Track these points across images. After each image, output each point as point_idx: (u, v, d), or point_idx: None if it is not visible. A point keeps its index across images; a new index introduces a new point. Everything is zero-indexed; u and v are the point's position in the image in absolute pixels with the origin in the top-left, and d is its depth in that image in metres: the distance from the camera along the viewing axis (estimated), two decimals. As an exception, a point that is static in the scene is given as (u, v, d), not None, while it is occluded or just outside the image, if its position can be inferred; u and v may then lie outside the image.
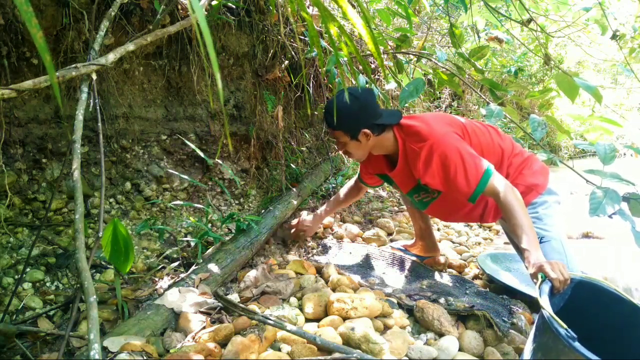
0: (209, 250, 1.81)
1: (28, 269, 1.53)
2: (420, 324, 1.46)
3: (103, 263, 1.68)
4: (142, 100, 2.01)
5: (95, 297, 0.89)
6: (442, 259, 2.10)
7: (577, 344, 0.92)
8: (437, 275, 1.88)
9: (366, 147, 1.62)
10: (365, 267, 1.97)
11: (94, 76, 1.24)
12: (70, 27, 1.63)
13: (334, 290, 1.60)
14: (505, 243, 2.62)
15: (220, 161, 2.27)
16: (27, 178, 1.66)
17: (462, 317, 1.48)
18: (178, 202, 2.04)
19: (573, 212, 2.90)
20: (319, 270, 1.83)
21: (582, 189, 3.67)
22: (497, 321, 1.40)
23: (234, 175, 2.15)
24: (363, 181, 1.97)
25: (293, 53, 2.48)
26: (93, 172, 1.84)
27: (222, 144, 2.31)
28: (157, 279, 1.65)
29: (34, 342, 1.23)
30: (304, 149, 2.85)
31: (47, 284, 1.55)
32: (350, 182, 2.07)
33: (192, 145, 1.86)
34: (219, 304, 1.40)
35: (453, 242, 2.60)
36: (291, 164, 2.60)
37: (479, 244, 2.63)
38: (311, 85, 2.72)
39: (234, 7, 2.14)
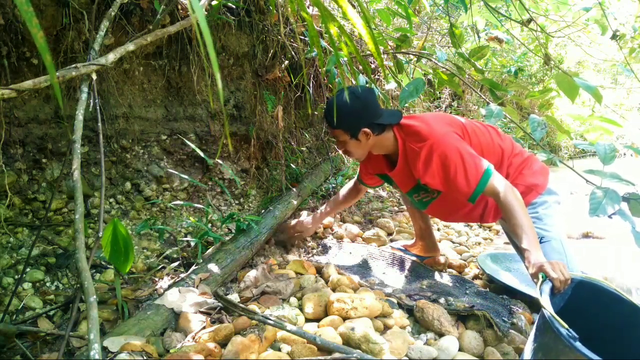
0: (209, 250, 1.81)
1: (28, 269, 1.53)
2: (420, 324, 1.46)
3: (103, 263, 1.68)
4: (142, 100, 2.01)
5: (95, 297, 0.89)
6: (442, 259, 2.10)
7: (578, 344, 0.92)
8: (437, 275, 1.88)
9: (366, 147, 1.62)
10: (365, 267, 1.97)
11: (94, 76, 1.24)
12: (70, 27, 1.63)
13: (334, 290, 1.60)
14: (505, 243, 2.63)
15: (220, 161, 2.28)
16: (27, 178, 1.66)
17: (462, 317, 1.48)
18: (178, 202, 2.04)
19: (573, 212, 2.90)
20: (319, 270, 1.83)
21: (582, 189, 3.67)
22: (497, 321, 1.40)
23: (234, 175, 2.15)
24: (362, 182, 1.97)
25: (293, 53, 2.48)
26: (93, 172, 1.84)
27: (222, 144, 2.31)
28: (157, 279, 1.65)
29: (34, 342, 1.23)
30: (304, 149, 2.85)
31: (47, 284, 1.55)
32: (349, 184, 2.07)
33: (192, 145, 1.86)
34: (219, 304, 1.40)
35: (453, 242, 2.60)
36: (291, 164, 2.60)
37: (479, 244, 2.63)
38: (311, 85, 2.72)
39: (234, 7, 2.14)
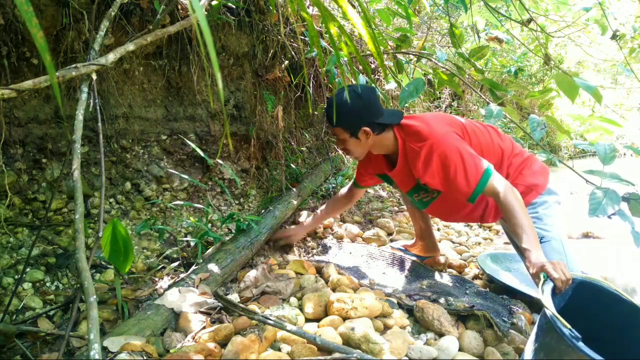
0: (209, 250, 1.81)
1: (28, 269, 1.53)
2: (420, 324, 1.46)
3: (103, 263, 1.68)
4: (142, 100, 2.01)
5: (95, 297, 0.89)
6: (442, 259, 2.10)
7: (581, 344, 0.92)
8: (437, 275, 1.88)
9: (365, 146, 1.61)
10: (365, 267, 1.97)
11: (94, 76, 1.24)
12: (70, 27, 1.63)
13: (334, 290, 1.60)
14: (505, 243, 2.63)
15: (220, 161, 2.27)
16: (27, 178, 1.66)
17: (462, 317, 1.48)
18: (178, 202, 2.04)
19: (573, 212, 2.90)
20: (319, 270, 1.83)
21: (582, 189, 3.67)
22: (497, 321, 1.40)
23: (234, 175, 2.15)
24: (359, 185, 1.96)
25: (293, 53, 2.48)
26: (93, 172, 1.84)
27: (222, 144, 2.31)
28: (157, 279, 1.65)
29: (34, 342, 1.23)
30: (304, 149, 2.85)
31: (47, 284, 1.55)
32: (342, 191, 2.06)
33: (193, 145, 1.86)
34: (219, 304, 1.40)
35: (453, 242, 2.60)
36: (291, 164, 2.60)
37: (479, 244, 2.63)
38: (311, 85, 2.72)
39: (234, 7, 2.14)
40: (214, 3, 1.84)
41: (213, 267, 1.63)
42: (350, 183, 2.02)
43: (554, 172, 2.03)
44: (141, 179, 1.99)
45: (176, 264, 1.75)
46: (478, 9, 2.88)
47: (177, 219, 2.04)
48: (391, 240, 2.41)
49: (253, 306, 1.42)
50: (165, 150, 2.12)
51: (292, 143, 2.73)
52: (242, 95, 2.41)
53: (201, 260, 1.69)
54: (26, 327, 1.25)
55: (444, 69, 2.35)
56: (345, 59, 1.99)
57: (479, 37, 2.95)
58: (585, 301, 1.20)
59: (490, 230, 2.97)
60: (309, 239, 2.26)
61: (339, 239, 2.29)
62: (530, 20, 2.59)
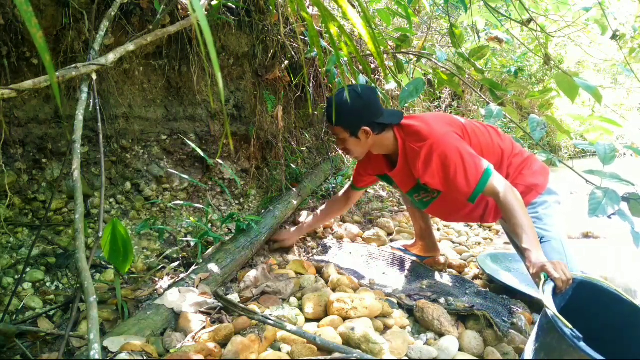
0: (209, 250, 1.81)
1: (28, 269, 1.53)
2: (420, 324, 1.46)
3: (103, 263, 1.68)
4: (142, 100, 2.01)
5: (95, 297, 0.89)
6: (442, 259, 2.11)
7: (582, 344, 0.92)
8: (437, 275, 1.88)
9: (365, 145, 1.61)
10: (365, 267, 1.97)
11: (94, 76, 1.24)
12: (70, 27, 1.63)
13: (334, 290, 1.60)
14: (505, 243, 2.63)
15: (220, 161, 2.27)
16: (27, 178, 1.66)
17: (462, 317, 1.48)
18: (178, 202, 2.04)
19: (573, 212, 2.90)
20: (319, 270, 1.83)
21: (582, 189, 3.67)
22: (497, 321, 1.40)
23: (234, 175, 2.15)
24: (356, 187, 1.95)
25: (293, 53, 2.48)
26: (93, 172, 1.84)
27: (222, 144, 2.31)
28: (157, 279, 1.65)
29: (34, 342, 1.23)
30: (304, 149, 2.85)
31: (47, 284, 1.55)
32: (338, 195, 2.06)
33: (193, 145, 1.86)
34: (219, 304, 1.40)
35: (453, 242, 2.60)
36: (291, 164, 2.60)
37: (479, 244, 2.63)
38: (311, 85, 2.72)
39: (234, 7, 2.14)
40: (214, 3, 1.84)
41: (213, 267, 1.63)
42: (347, 186, 2.01)
43: (554, 172, 2.03)
44: (141, 179, 1.99)
45: (176, 264, 1.75)
46: (478, 9, 2.88)
47: (177, 219, 2.04)
48: (391, 240, 2.41)
49: (253, 306, 1.42)
50: (165, 150, 2.12)
51: (292, 143, 2.73)
52: (242, 95, 2.41)
53: (201, 260, 1.69)
54: (26, 327, 1.25)
55: (444, 69, 2.35)
56: (345, 59, 1.99)
57: (479, 37, 2.95)
58: (586, 301, 1.20)
59: (490, 230, 2.97)
60: (309, 239, 2.26)
61: (339, 239, 2.29)
62: (530, 20, 2.59)
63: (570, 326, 0.95)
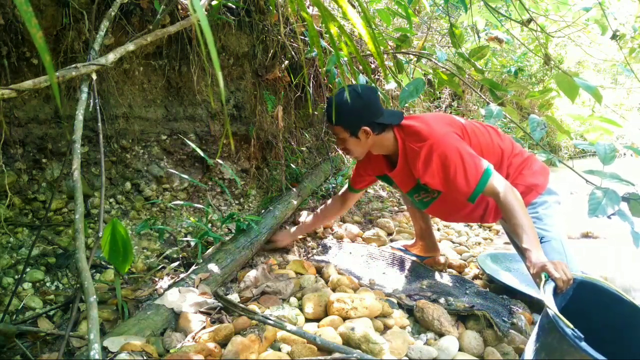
0: (209, 250, 1.81)
1: (28, 269, 1.53)
2: (420, 324, 1.46)
3: (103, 263, 1.68)
4: (142, 100, 2.01)
5: (95, 297, 0.89)
6: (442, 259, 2.10)
7: (583, 344, 0.91)
8: (437, 275, 1.88)
9: (365, 145, 1.61)
10: (365, 267, 1.97)
11: (94, 76, 1.24)
12: (70, 27, 1.63)
13: (334, 290, 1.60)
14: (505, 243, 2.63)
15: (220, 161, 2.28)
16: (27, 178, 1.66)
17: (462, 317, 1.48)
18: (178, 202, 2.04)
19: (573, 212, 2.90)
20: (319, 270, 1.83)
21: (582, 189, 3.67)
22: (497, 321, 1.40)
23: (234, 175, 2.15)
24: (354, 189, 1.95)
25: (293, 53, 2.48)
26: (93, 172, 1.84)
27: (222, 144, 2.31)
28: (157, 279, 1.65)
29: (34, 342, 1.23)
30: (304, 149, 2.85)
31: (47, 284, 1.55)
32: (335, 198, 2.05)
33: (193, 145, 1.86)
34: (219, 304, 1.40)
35: (453, 242, 2.60)
36: (291, 164, 2.60)
37: (479, 244, 2.63)
38: (311, 85, 2.72)
39: (234, 7, 2.14)
40: (214, 3, 1.84)
41: (213, 267, 1.63)
42: (344, 188, 2.01)
43: (554, 172, 2.03)
44: (141, 179, 2.00)
45: (176, 264, 1.75)
46: (478, 9, 2.88)
47: (177, 219, 2.04)
48: (391, 240, 2.41)
49: (253, 306, 1.42)
50: (165, 150, 2.12)
51: (292, 143, 2.73)
52: (242, 95, 2.41)
53: (201, 260, 1.69)
54: (26, 327, 1.25)
55: (444, 69, 2.35)
56: (345, 59, 1.99)
57: (479, 37, 2.95)
58: (586, 301, 1.20)
59: (490, 230, 2.97)
60: (309, 239, 2.26)
61: (339, 239, 2.29)
62: (530, 20, 2.59)
63: (571, 326, 0.95)
